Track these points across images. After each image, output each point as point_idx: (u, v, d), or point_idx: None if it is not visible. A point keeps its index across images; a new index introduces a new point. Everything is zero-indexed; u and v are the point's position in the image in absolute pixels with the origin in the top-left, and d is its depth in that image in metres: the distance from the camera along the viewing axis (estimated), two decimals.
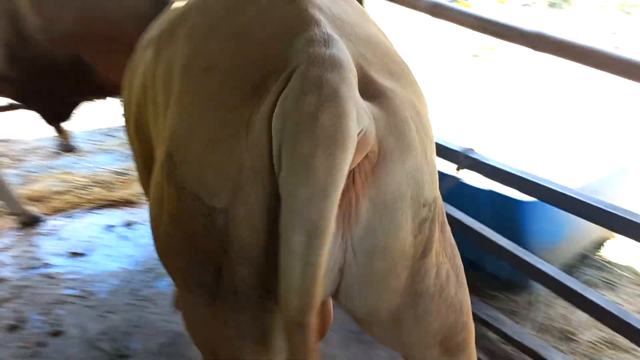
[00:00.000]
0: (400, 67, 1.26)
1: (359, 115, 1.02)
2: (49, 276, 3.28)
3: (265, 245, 1.10)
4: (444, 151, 2.72)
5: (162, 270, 3.28)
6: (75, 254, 3.53)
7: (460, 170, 2.66)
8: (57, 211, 4.05)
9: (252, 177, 1.07)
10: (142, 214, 4.08)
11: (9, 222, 3.97)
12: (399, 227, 1.13)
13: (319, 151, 0.96)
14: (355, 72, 1.07)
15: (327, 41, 1.07)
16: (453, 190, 2.73)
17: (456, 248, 1.42)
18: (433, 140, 1.24)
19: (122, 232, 3.83)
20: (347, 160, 0.98)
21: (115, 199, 4.26)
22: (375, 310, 1.28)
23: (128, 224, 3.93)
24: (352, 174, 1.06)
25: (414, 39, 7.31)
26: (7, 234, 3.80)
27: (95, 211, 4.14)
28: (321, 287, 1.02)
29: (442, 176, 2.80)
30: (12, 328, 2.81)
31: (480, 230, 2.64)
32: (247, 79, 1.12)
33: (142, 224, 3.93)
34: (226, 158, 1.08)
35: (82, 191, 4.34)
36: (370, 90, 1.10)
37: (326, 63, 1.02)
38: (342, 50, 1.06)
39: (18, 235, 3.79)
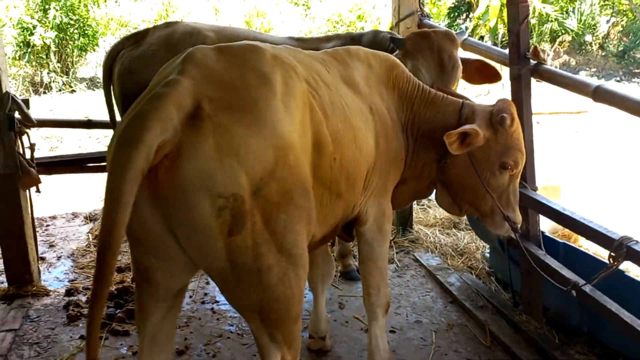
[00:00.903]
0: (246, 104, 1.73)
1: (163, 129, 1.56)
2: (215, 312, 3.72)
3: None
4: (598, 237, 2.62)
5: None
6: None
7: (617, 260, 2.52)
8: None
9: None
10: None
11: None
12: (195, 208, 1.62)
13: (122, 148, 1.54)
14: (180, 102, 1.62)
15: (169, 82, 1.69)
16: (612, 282, 2.61)
17: (299, 249, 1.82)
18: (241, 156, 1.64)
19: None
20: (141, 156, 1.51)
21: None
22: (207, 268, 1.82)
23: None
24: (156, 166, 1.60)
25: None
26: None
27: None
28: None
29: (598, 264, 2.69)
30: (180, 353, 3.23)
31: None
32: None
33: None
34: None
35: None
36: (197, 114, 1.63)
37: (154, 95, 1.65)
38: (175, 88, 1.64)
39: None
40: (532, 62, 3.21)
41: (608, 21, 19.12)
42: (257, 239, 1.70)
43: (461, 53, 3.74)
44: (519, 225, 2.72)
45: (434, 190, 2.90)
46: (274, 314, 1.85)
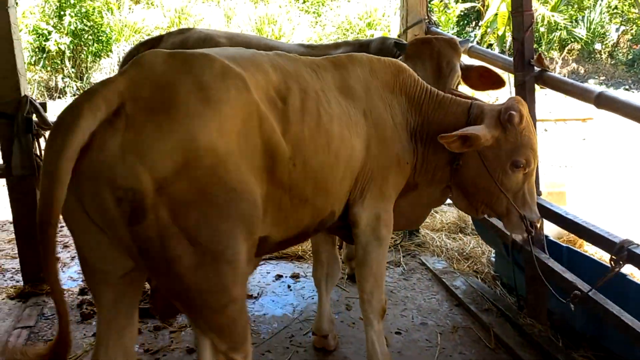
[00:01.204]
0: (166, 107, 1.84)
1: (94, 118, 1.74)
2: None
3: None
4: (600, 240, 2.67)
5: None
6: (248, 296, 4.03)
7: (618, 263, 2.56)
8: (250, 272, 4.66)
9: None
10: (307, 269, 4.50)
11: None
12: (98, 194, 1.78)
13: (59, 133, 1.74)
14: (109, 98, 1.79)
15: (106, 80, 1.93)
16: (614, 285, 2.65)
17: (221, 245, 1.90)
18: (144, 155, 1.76)
19: (288, 283, 4.27)
20: (76, 139, 1.71)
21: (288, 252, 4.76)
22: (125, 253, 1.93)
23: (295, 276, 4.37)
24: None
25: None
26: None
27: (269, 261, 4.68)
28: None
29: (601, 268, 2.74)
30: (190, 351, 3.31)
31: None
32: None
33: (306, 278, 4.34)
34: None
35: None
36: (118, 112, 1.80)
37: (89, 90, 1.90)
38: (107, 86, 1.85)
39: None
40: (537, 69, 3.28)
41: (617, 29, 19.09)
42: (162, 232, 1.82)
43: (468, 60, 3.82)
44: (538, 224, 2.69)
45: (449, 195, 2.89)
46: (191, 302, 2.00)
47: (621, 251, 2.51)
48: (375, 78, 2.64)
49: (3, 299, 3.97)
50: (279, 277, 4.39)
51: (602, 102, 2.77)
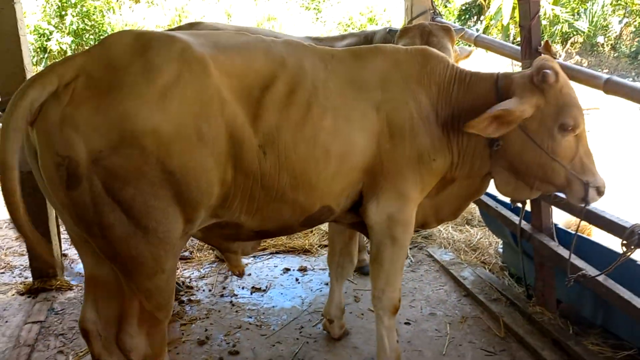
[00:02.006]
0: (111, 86, 1.94)
1: (42, 90, 1.91)
2: (234, 304, 3.81)
3: None
4: (610, 226, 2.67)
5: None
6: (256, 289, 4.04)
7: (629, 248, 2.56)
8: (241, 254, 4.67)
9: None
10: (315, 262, 4.51)
11: (209, 256, 4.69)
12: (43, 159, 1.95)
13: (13, 100, 1.91)
14: (63, 74, 1.94)
15: (68, 57, 2.08)
16: (624, 270, 2.65)
17: (153, 222, 2.02)
18: (81, 128, 1.89)
19: (296, 276, 4.28)
20: (23, 105, 1.89)
21: (295, 246, 4.77)
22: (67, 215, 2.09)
23: (302, 270, 4.38)
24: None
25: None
26: (206, 265, 4.50)
27: (277, 255, 4.69)
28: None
29: (610, 254, 2.73)
30: (201, 343, 3.32)
31: None
32: None
33: (313, 271, 4.35)
34: None
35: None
36: (67, 87, 1.93)
37: (49, 65, 2.07)
38: (65, 62, 2.00)
39: (214, 267, 4.46)
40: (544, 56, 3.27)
41: (620, 22, 19.04)
42: (96, 200, 1.96)
43: (477, 51, 3.84)
44: (603, 189, 2.50)
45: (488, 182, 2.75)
46: (122, 267, 2.14)
47: (632, 236, 2.51)
48: (399, 70, 2.52)
49: (13, 294, 3.99)
50: (286, 270, 4.39)
51: (611, 87, 2.76)
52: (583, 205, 2.51)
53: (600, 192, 2.50)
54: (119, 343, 2.32)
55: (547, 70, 2.34)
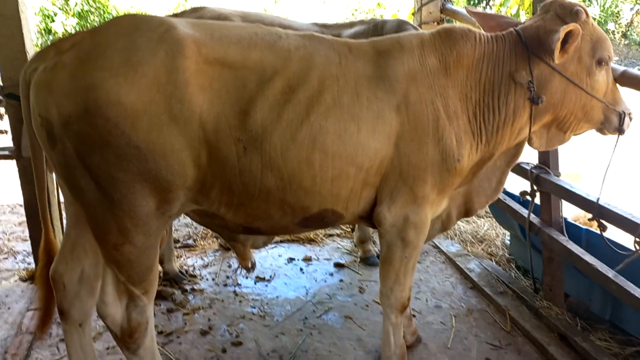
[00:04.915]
0: (89, 59, 2.02)
1: (39, 60, 2.09)
2: (237, 294, 3.78)
3: None
4: (623, 222, 2.61)
5: (331, 304, 3.58)
6: (260, 279, 4.01)
7: None
8: (251, 246, 4.62)
9: None
10: (319, 252, 4.47)
11: (213, 244, 4.66)
12: (34, 116, 2.10)
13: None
14: (61, 47, 2.08)
15: (70, 35, 2.19)
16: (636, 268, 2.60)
17: (118, 194, 2.08)
18: (54, 93, 2.01)
19: (300, 266, 4.24)
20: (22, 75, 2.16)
21: (300, 236, 4.73)
22: None
23: (307, 259, 4.34)
24: None
25: None
26: (210, 254, 4.47)
27: (281, 244, 4.65)
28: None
29: (621, 250, 2.67)
30: (204, 333, 3.29)
31: None
32: None
33: (318, 261, 4.31)
34: None
35: None
36: (58, 56, 2.07)
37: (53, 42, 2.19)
38: (68, 37, 2.13)
39: (218, 256, 4.43)
40: None
41: (632, 9, 18.75)
42: (69, 162, 2.08)
43: None
44: (632, 114, 2.58)
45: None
46: (93, 231, 2.24)
47: None
48: (425, 65, 2.39)
49: (15, 281, 3.96)
50: (291, 259, 4.36)
51: (626, 79, 2.68)
52: (618, 134, 2.56)
53: (631, 118, 2.56)
54: (97, 307, 2.42)
55: (579, 8, 2.36)
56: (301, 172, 2.24)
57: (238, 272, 4.12)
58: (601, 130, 2.62)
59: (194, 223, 5.09)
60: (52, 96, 2.02)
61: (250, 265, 3.32)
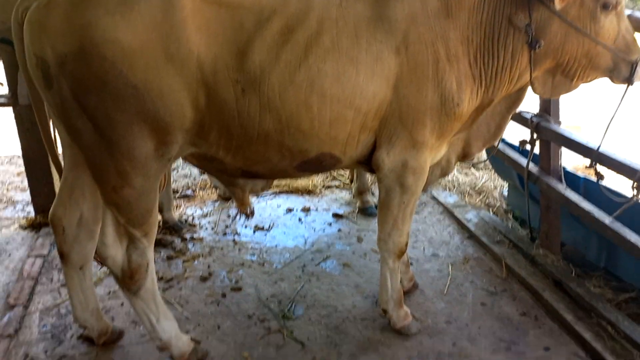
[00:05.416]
0: (83, 2, 2.00)
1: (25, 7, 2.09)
2: (236, 242, 3.82)
3: None
4: (621, 168, 2.61)
5: (329, 253, 3.60)
6: (259, 228, 4.04)
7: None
8: (250, 191, 4.64)
9: None
10: (318, 203, 4.49)
11: (212, 194, 4.67)
12: (29, 56, 2.08)
13: None
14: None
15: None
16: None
17: (115, 135, 2.09)
18: (48, 32, 1.98)
19: (299, 216, 4.27)
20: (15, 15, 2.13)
21: (298, 187, 4.74)
22: None
23: (305, 210, 4.36)
24: None
25: None
26: (209, 204, 4.49)
27: (280, 195, 4.67)
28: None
29: (618, 197, 2.68)
30: (203, 279, 3.34)
31: None
32: None
33: (316, 212, 4.33)
34: None
35: None
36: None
37: None
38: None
39: (217, 206, 4.45)
40: None
41: None
42: (65, 103, 2.06)
43: None
44: None
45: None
46: (93, 174, 2.27)
47: None
48: (426, 6, 2.31)
49: (16, 229, 3.99)
50: (289, 210, 4.38)
51: (632, 21, 2.63)
52: (628, 84, 2.44)
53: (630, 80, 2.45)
54: (97, 248, 2.46)
55: None
56: (299, 115, 2.23)
57: (237, 221, 4.14)
58: (611, 78, 2.51)
59: (193, 174, 5.09)
60: (47, 35, 1.99)
61: (249, 211, 3.34)
